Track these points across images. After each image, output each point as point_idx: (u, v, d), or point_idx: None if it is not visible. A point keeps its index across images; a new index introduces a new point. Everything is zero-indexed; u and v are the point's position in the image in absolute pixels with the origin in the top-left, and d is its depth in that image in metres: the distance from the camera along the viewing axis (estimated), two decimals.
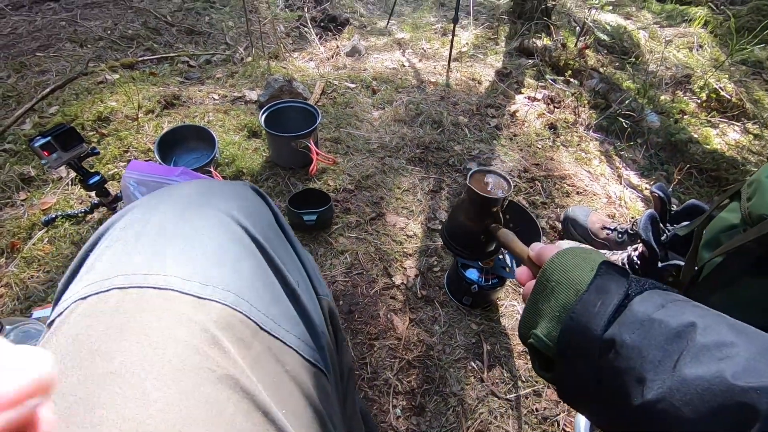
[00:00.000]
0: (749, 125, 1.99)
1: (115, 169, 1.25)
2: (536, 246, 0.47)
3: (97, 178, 1.03)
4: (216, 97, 1.63)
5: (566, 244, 1.21)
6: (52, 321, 0.31)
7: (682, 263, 0.99)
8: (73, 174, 1.22)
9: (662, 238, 1.07)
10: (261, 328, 0.34)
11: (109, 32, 2.25)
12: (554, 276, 0.39)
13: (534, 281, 0.42)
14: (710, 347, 0.29)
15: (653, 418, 0.29)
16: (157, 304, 0.30)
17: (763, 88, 2.38)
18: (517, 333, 0.43)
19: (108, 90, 1.58)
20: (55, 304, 0.33)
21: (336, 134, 1.51)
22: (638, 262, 1.08)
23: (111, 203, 1.10)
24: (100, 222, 1.14)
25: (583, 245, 0.43)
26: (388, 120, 1.63)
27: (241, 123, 1.47)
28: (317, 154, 1.24)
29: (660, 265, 1.02)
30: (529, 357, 0.42)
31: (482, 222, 0.64)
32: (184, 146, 1.30)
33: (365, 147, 1.49)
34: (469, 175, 0.65)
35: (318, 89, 1.74)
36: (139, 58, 2.04)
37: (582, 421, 0.92)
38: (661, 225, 1.09)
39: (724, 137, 1.92)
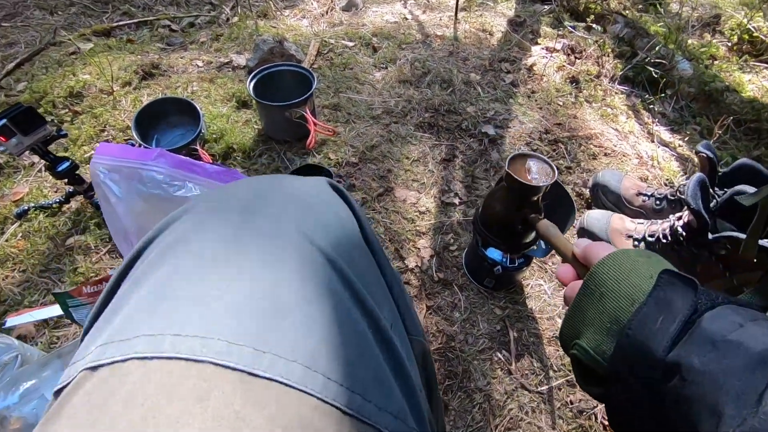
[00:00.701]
0: None
1: (92, 152, 1.12)
2: (582, 243, 0.41)
3: (66, 164, 0.91)
4: (200, 63, 1.47)
5: (596, 214, 1.08)
6: (60, 389, 0.23)
7: (738, 234, 0.87)
8: None
9: (711, 205, 0.94)
10: (345, 413, 0.24)
11: None
12: (605, 281, 0.34)
13: (579, 283, 0.38)
14: None
15: None
16: (189, 389, 0.20)
17: None
18: (558, 340, 0.40)
19: (81, 61, 1.43)
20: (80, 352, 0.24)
21: (335, 100, 1.35)
22: (684, 233, 0.95)
23: (87, 191, 0.98)
24: (78, 212, 1.02)
25: (637, 249, 0.36)
26: (392, 81, 1.47)
27: (228, 92, 1.32)
28: (315, 124, 1.10)
29: (711, 236, 0.89)
30: (571, 363, 0.38)
31: (521, 211, 0.57)
32: (166, 122, 1.17)
33: (368, 113, 1.34)
34: (507, 160, 0.57)
35: (313, 49, 1.56)
36: (115, 24, 1.86)
37: None
38: (710, 190, 0.96)
39: (761, 83, 1.73)
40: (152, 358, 0.21)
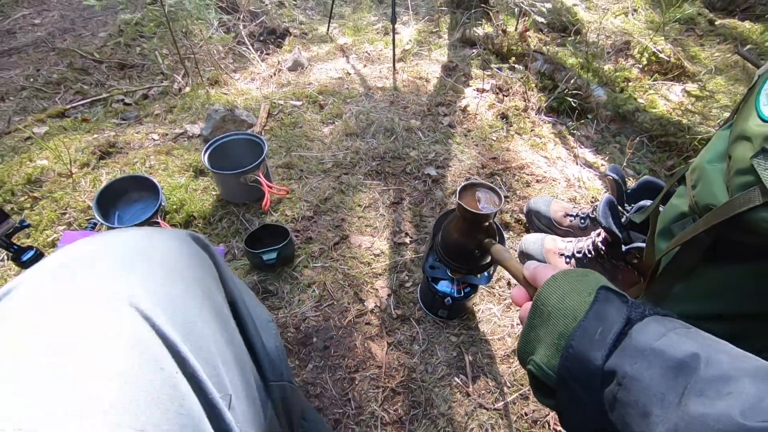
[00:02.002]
0: (689, 86, 2.05)
1: (55, 235, 1.16)
2: (530, 265, 0.46)
3: (30, 253, 0.96)
4: (156, 137, 1.55)
5: (532, 238, 1.21)
6: None
7: (641, 245, 1.01)
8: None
9: (622, 220, 1.08)
10: None
11: (32, 80, 2.11)
12: (550, 301, 0.39)
13: (530, 303, 0.42)
14: (715, 381, 0.28)
15: None
16: None
17: (697, 43, 2.46)
18: (516, 356, 0.45)
19: (37, 146, 1.48)
20: None
21: (287, 159, 1.46)
22: (603, 247, 1.08)
23: None
24: None
25: (576, 270, 0.42)
26: (339, 135, 1.59)
27: (185, 162, 1.40)
28: (269, 187, 1.19)
29: (624, 248, 1.03)
30: (528, 376, 0.41)
31: (475, 237, 0.63)
32: (126, 198, 1.23)
33: (319, 168, 1.45)
34: (458, 191, 0.63)
35: (263, 112, 1.68)
36: (69, 105, 1.92)
37: None
38: (620, 207, 1.10)
39: (668, 100, 1.97)
40: None
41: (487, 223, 0.64)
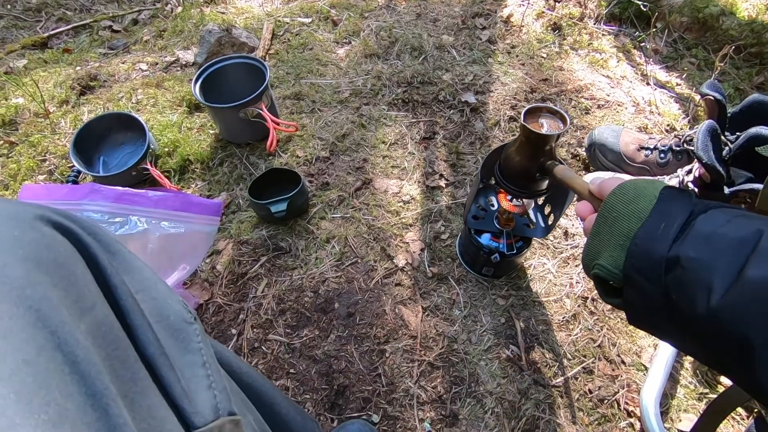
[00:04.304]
0: None
1: None
2: (596, 179, 0.47)
3: None
4: (144, 67, 1.33)
5: (604, 175, 0.99)
6: None
7: (757, 186, 0.78)
8: None
9: (723, 153, 0.84)
10: None
11: (9, 6, 1.87)
12: (617, 207, 0.40)
13: (595, 215, 0.43)
14: None
15: (720, 321, 0.30)
16: None
17: None
18: (581, 265, 0.47)
19: (12, 83, 1.29)
20: None
21: (296, 88, 1.22)
22: (696, 189, 0.85)
23: None
24: None
25: (620, 175, 0.40)
26: (357, 57, 1.33)
27: (178, 96, 1.19)
28: (274, 123, 0.98)
29: (727, 190, 0.80)
30: (594, 283, 0.43)
31: (537, 160, 0.63)
32: (111, 141, 1.05)
33: (335, 98, 1.21)
34: (523, 113, 0.63)
35: (267, 33, 1.42)
36: (52, 32, 1.69)
37: (648, 397, 0.76)
38: (722, 137, 0.85)
39: (755, 0, 1.58)
40: None
41: (548, 147, 0.63)
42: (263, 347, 0.82)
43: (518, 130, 0.65)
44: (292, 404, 0.56)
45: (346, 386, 0.78)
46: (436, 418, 0.76)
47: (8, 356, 0.19)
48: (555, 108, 0.65)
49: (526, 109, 0.65)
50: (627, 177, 0.98)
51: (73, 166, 1.03)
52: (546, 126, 0.64)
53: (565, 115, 0.64)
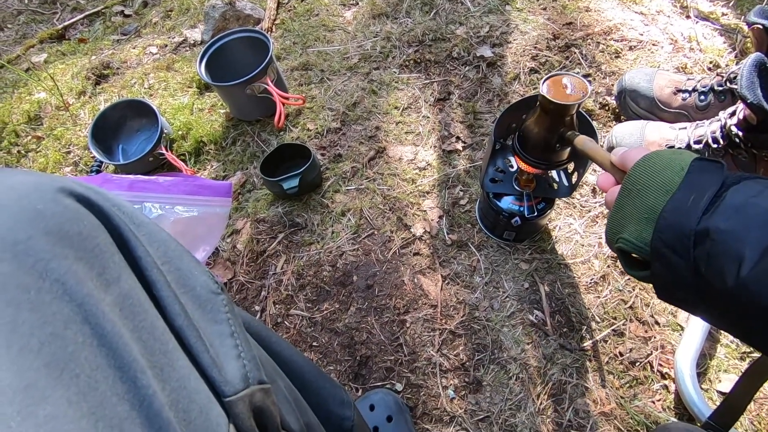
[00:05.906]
0: None
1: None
2: (619, 150, 0.45)
3: None
4: (154, 50, 1.33)
5: (626, 128, 0.91)
6: None
7: None
8: None
9: None
10: None
11: (27, 1, 1.90)
12: (641, 180, 0.38)
13: (618, 187, 0.42)
14: None
15: (751, 293, 0.29)
16: None
17: None
18: (604, 239, 0.45)
19: (35, 77, 1.32)
20: None
21: (304, 59, 1.19)
22: (740, 132, 0.77)
23: None
24: None
25: (670, 149, 0.40)
26: (364, 19, 1.27)
27: (187, 77, 1.19)
28: (281, 97, 0.96)
29: None
30: (618, 257, 0.42)
31: (557, 130, 0.62)
32: (127, 128, 1.07)
33: (343, 65, 1.17)
34: (542, 82, 0.61)
35: (272, 2, 1.37)
36: (68, 22, 1.72)
37: (683, 358, 0.72)
38: None
39: None
40: None
41: (570, 116, 0.61)
42: (286, 322, 0.84)
43: (539, 83, 0.62)
44: (320, 372, 0.57)
45: (368, 357, 0.79)
46: (460, 385, 0.76)
47: (36, 329, 0.20)
48: (573, 74, 0.62)
49: (545, 77, 0.61)
50: (630, 127, 0.89)
51: (94, 157, 1.06)
52: (570, 87, 0.61)
53: (587, 82, 0.61)
